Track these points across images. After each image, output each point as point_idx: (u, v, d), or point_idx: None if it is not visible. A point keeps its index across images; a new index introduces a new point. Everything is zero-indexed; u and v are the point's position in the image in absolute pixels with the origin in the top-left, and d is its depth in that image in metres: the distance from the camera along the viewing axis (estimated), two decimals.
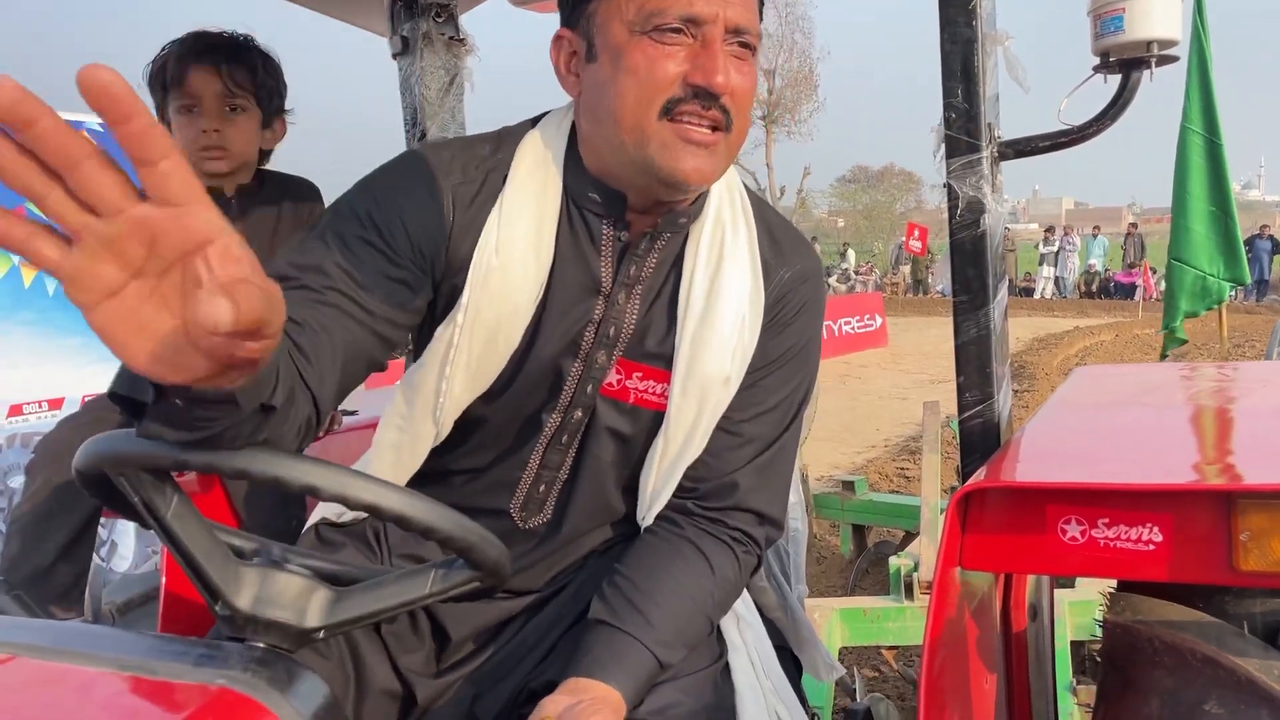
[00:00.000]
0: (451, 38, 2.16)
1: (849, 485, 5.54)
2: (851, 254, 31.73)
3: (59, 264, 0.68)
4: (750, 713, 1.40)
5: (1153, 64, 1.60)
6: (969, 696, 1.43)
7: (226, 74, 1.97)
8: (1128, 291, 24.27)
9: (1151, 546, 1.17)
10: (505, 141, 1.33)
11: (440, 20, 2.14)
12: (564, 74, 1.29)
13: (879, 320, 17.52)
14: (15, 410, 5.79)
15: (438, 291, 1.30)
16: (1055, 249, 27.09)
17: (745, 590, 1.51)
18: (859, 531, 5.69)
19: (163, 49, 2.00)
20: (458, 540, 1.04)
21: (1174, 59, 1.62)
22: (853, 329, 17.03)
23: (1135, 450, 1.42)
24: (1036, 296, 25.77)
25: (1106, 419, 1.70)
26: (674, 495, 1.36)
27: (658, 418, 1.34)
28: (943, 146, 1.72)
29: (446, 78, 2.15)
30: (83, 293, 0.69)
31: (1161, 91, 1.78)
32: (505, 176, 1.29)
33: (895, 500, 5.52)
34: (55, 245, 0.67)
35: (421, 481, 1.40)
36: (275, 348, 0.77)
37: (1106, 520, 1.19)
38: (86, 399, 2.21)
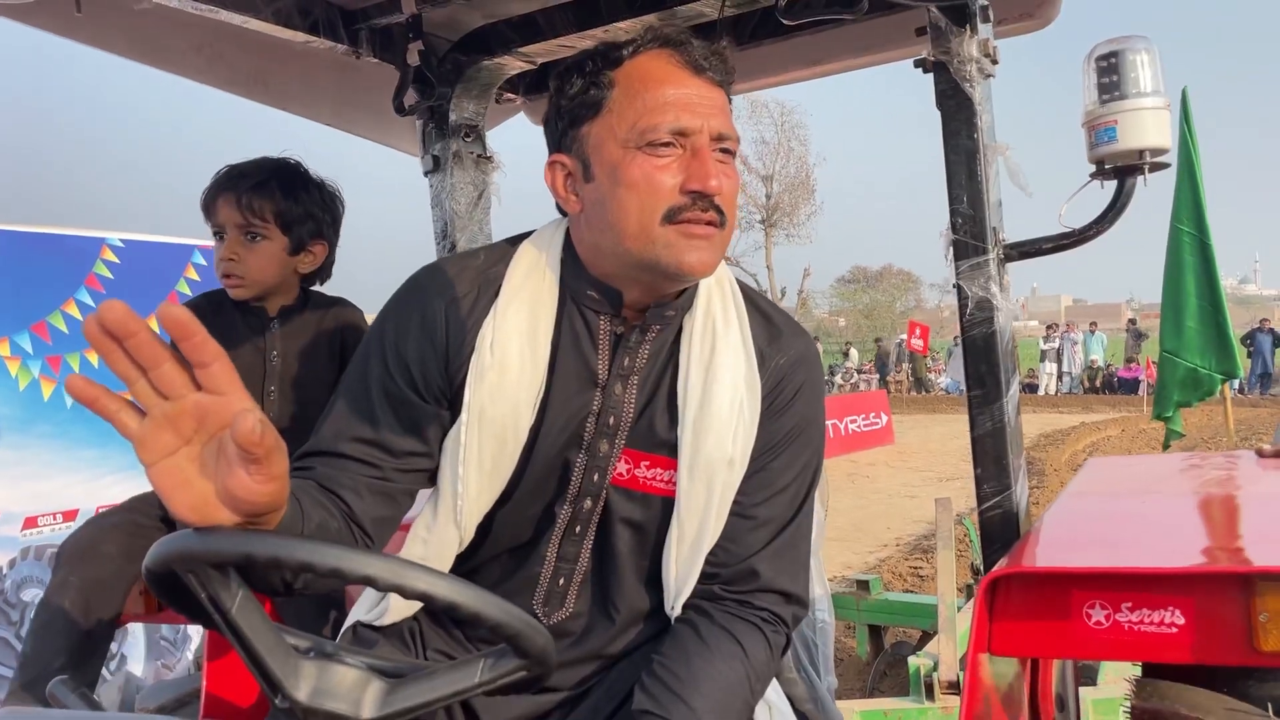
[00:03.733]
0: (479, 156, 2.28)
1: (864, 585, 5.51)
2: (855, 353, 31.93)
3: (135, 431, 0.92)
4: None
5: (1146, 170, 1.70)
6: None
7: (245, 203, 2.05)
8: (1130, 386, 24.34)
9: (1174, 629, 1.21)
10: (501, 252, 1.44)
11: (469, 140, 2.27)
12: (563, 195, 1.38)
13: (884, 418, 17.54)
14: (30, 523, 5.79)
15: (451, 407, 1.38)
16: (1056, 345, 27.27)
17: (776, 680, 1.54)
18: (875, 632, 5.63)
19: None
20: (506, 627, 1.08)
21: (1165, 165, 1.72)
22: (858, 427, 17.06)
23: (1153, 535, 1.47)
24: (1040, 393, 25.82)
25: (1122, 506, 1.75)
26: (699, 583, 1.40)
27: (669, 504, 1.39)
28: (951, 250, 1.82)
29: (475, 193, 2.26)
30: (148, 453, 0.92)
31: (1155, 191, 1.88)
32: (498, 286, 1.38)
33: (911, 599, 5.48)
34: (134, 417, 0.91)
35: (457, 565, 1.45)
36: (284, 497, 0.99)
37: (1130, 604, 1.23)
38: (101, 510, 2.26)
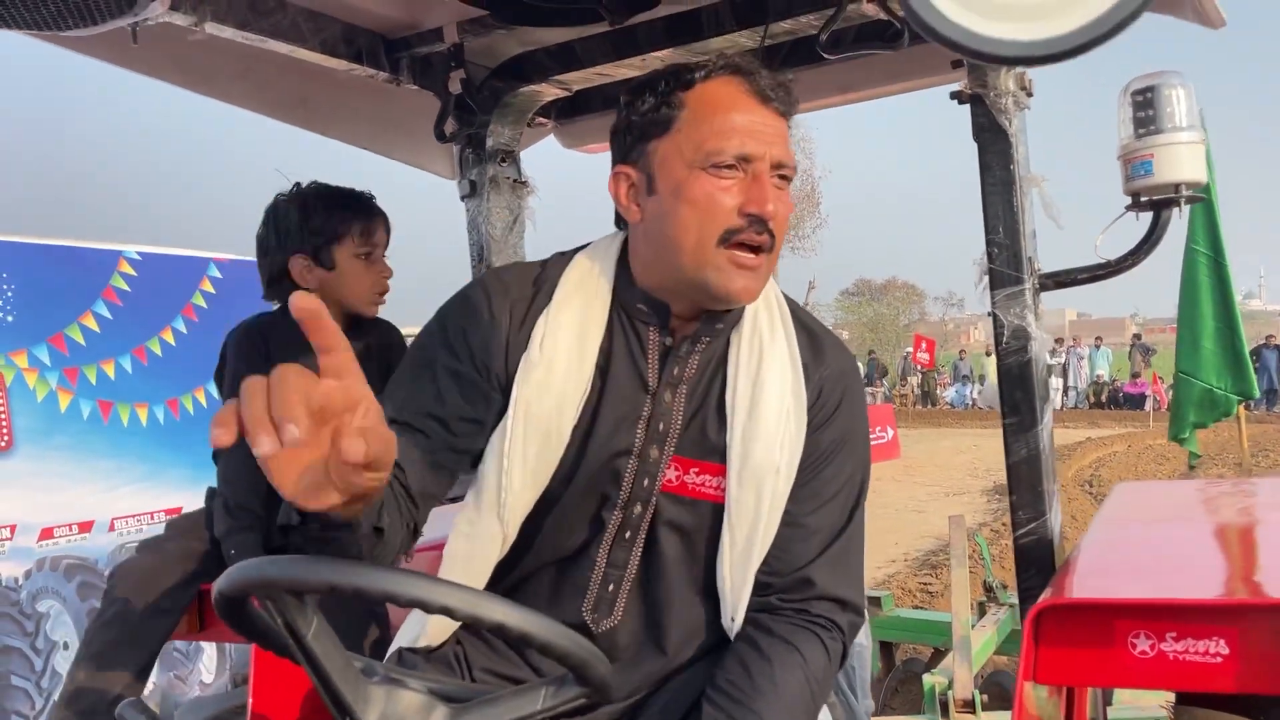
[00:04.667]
0: (515, 180, 2.32)
1: (875, 601, 5.50)
2: (861, 367, 31.92)
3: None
4: None
5: (1182, 203, 1.73)
6: None
7: (387, 226, 2.20)
8: (1136, 402, 24.33)
9: (1219, 659, 1.24)
10: (556, 262, 1.50)
11: (504, 164, 2.30)
12: (625, 204, 1.43)
13: (891, 432, 17.51)
14: (46, 534, 5.83)
15: (503, 397, 1.42)
16: (1062, 360, 27.29)
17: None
18: (887, 649, 5.63)
19: (290, 197, 2.16)
20: (573, 656, 1.11)
21: (1202, 199, 1.75)
22: None
23: (1193, 565, 1.50)
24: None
25: (1159, 534, 1.78)
26: (754, 595, 1.43)
27: (718, 510, 1.43)
28: (985, 278, 1.85)
29: (510, 217, 2.30)
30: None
31: None
32: (554, 290, 1.44)
33: (923, 616, 5.47)
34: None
35: (495, 582, 1.48)
36: (386, 481, 0.98)
37: (1175, 634, 1.26)
38: (116, 520, 2.28)
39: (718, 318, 1.45)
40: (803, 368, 1.47)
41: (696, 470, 1.45)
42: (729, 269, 1.34)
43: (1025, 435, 1.82)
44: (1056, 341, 30.63)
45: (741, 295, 1.37)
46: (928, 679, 3.58)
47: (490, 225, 2.28)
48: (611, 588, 1.48)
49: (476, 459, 1.45)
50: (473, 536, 1.45)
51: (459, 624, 1.45)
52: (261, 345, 2.15)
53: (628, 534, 1.46)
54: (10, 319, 6.09)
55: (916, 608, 6.60)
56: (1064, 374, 26.91)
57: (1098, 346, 27.83)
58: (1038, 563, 1.77)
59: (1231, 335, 5.09)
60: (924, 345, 22.46)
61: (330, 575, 1.03)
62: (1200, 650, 1.25)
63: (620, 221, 1.49)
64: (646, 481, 1.44)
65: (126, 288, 6.61)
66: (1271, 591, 1.27)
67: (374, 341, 2.19)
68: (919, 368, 26.76)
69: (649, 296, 1.43)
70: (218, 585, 1.10)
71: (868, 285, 52.89)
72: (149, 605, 2.02)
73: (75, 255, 6.49)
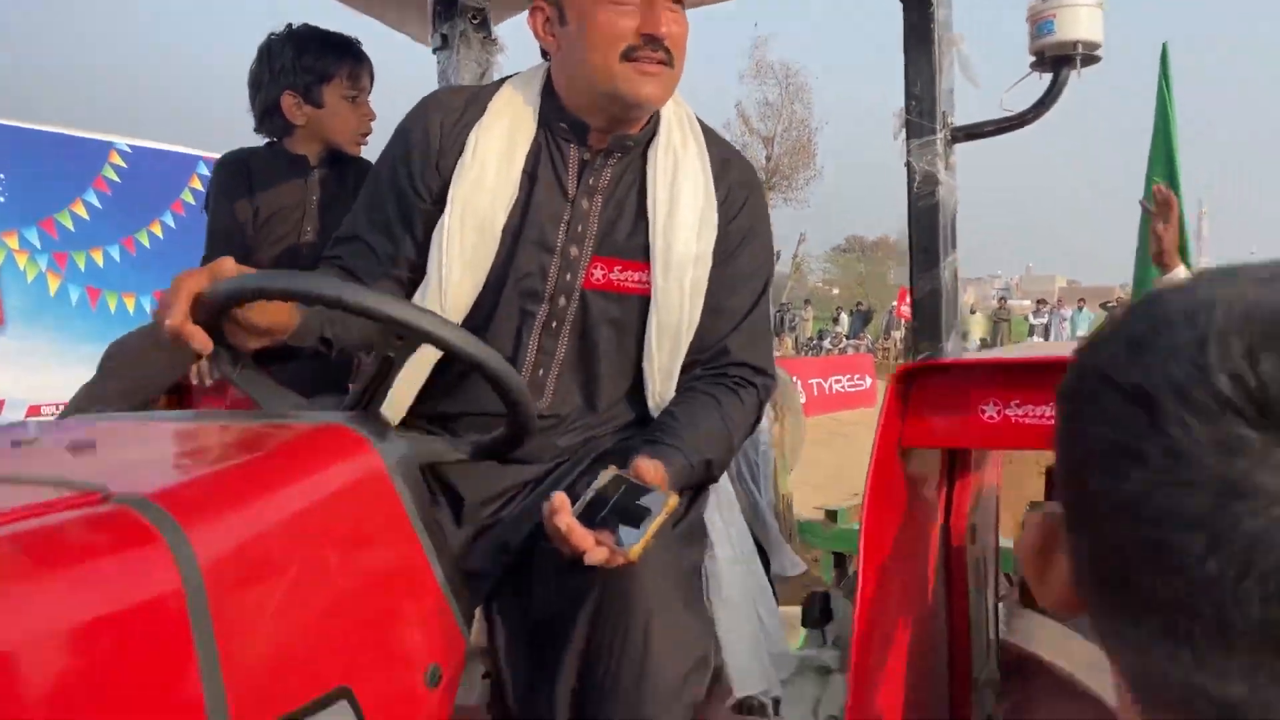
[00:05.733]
0: (485, 37, 2.48)
1: (832, 515, 5.74)
2: (845, 319, 32.16)
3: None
4: (725, 576, 1.67)
5: (1078, 62, 1.91)
6: (907, 591, 1.68)
7: (371, 73, 2.37)
8: None
9: (1050, 420, 1.44)
10: (488, 87, 1.72)
11: (475, 22, 2.46)
12: (542, 35, 1.64)
13: (869, 380, 17.85)
14: (33, 410, 6.01)
15: (439, 205, 1.62)
16: (1045, 321, 27.57)
17: (728, 479, 1.78)
18: (840, 559, 5.88)
19: (284, 36, 2.31)
20: (486, 366, 1.30)
21: (1097, 59, 1.93)
22: (843, 388, 17.44)
23: (1044, 352, 1.70)
24: None
25: (1043, 350, 1.97)
26: (680, 376, 1.66)
27: (644, 302, 1.64)
28: (904, 130, 2.03)
29: (479, 70, 2.45)
30: None
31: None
32: (486, 106, 1.65)
33: None
34: None
35: (440, 375, 1.67)
36: (294, 325, 1.44)
37: (1017, 400, 1.46)
38: None
39: (630, 136, 1.65)
40: (714, 170, 1.68)
41: (620, 268, 1.65)
42: (635, 77, 1.56)
43: (930, 272, 2.01)
44: (1040, 303, 30.90)
45: (650, 99, 1.58)
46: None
47: (460, 78, 2.44)
48: (542, 372, 1.67)
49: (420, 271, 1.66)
50: None
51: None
52: (245, 177, 2.32)
53: (554, 324, 1.66)
54: (2, 200, 6.24)
55: None
56: (1045, 333, 27.21)
57: (1080, 308, 28.11)
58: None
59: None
60: (909, 299, 22.65)
61: (291, 284, 1.23)
62: (1038, 414, 1.46)
63: (545, 54, 1.69)
64: (569, 277, 1.64)
65: (117, 179, 6.75)
66: None
67: (353, 178, 2.36)
68: (902, 321, 26.98)
69: (570, 116, 1.63)
70: (208, 291, 1.28)
71: (859, 241, 52.96)
72: (135, 378, 2.21)
73: (67, 143, 6.62)
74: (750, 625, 1.77)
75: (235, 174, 2.34)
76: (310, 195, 2.33)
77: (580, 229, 1.64)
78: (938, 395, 1.51)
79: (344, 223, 1.69)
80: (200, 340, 1.29)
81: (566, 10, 1.58)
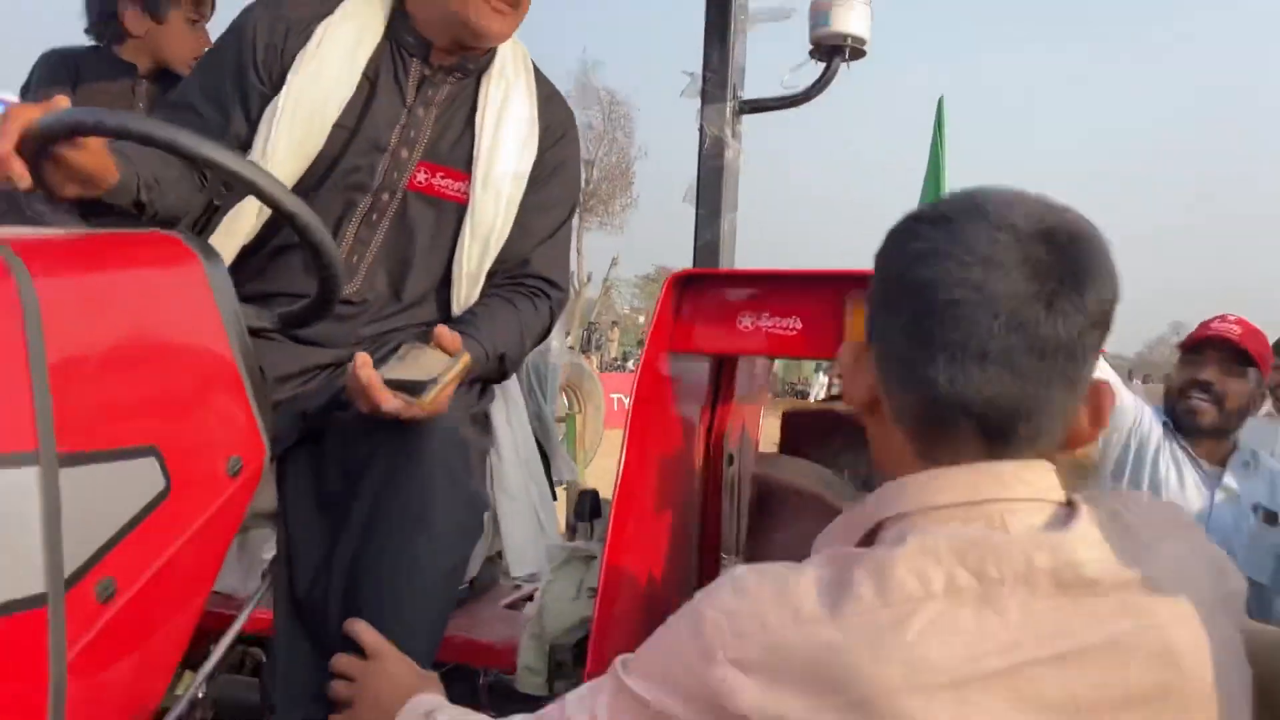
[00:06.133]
0: None
1: None
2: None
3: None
4: (509, 471, 1.85)
5: (847, 54, 2.23)
6: (665, 481, 1.89)
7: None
8: None
9: (795, 331, 1.70)
10: None
11: None
12: None
13: None
14: None
15: (275, 90, 1.73)
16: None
17: (518, 388, 1.97)
18: None
19: None
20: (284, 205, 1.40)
21: (864, 54, 2.25)
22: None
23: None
24: (812, 398, 27.52)
25: None
26: (484, 282, 1.82)
27: (460, 210, 1.80)
28: (699, 97, 2.29)
29: None
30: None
31: None
32: (335, 6, 1.77)
33: None
34: None
35: (251, 254, 1.78)
36: (113, 180, 1.45)
37: (769, 313, 1.72)
38: None
39: (470, 59, 1.81)
40: (539, 103, 1.87)
41: (442, 175, 1.80)
42: (488, 12, 1.72)
43: (712, 225, 2.27)
44: None
45: (495, 35, 1.75)
46: None
47: None
48: (355, 259, 1.80)
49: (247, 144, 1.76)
50: (237, 206, 1.74)
51: None
52: (70, 74, 2.32)
53: (374, 217, 1.79)
54: None
55: None
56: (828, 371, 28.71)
57: None
58: None
59: None
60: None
61: (127, 123, 1.31)
62: (784, 325, 1.72)
63: None
64: (395, 175, 1.78)
65: None
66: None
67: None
68: None
69: (417, 32, 1.78)
70: (43, 120, 1.33)
71: (666, 271, 54.23)
72: None
73: None
74: (528, 516, 1.95)
75: (60, 69, 2.33)
76: (138, 103, 2.35)
77: (413, 135, 1.79)
78: (703, 305, 1.75)
79: (175, 90, 1.76)
80: (19, 172, 1.32)
81: None
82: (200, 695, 2.10)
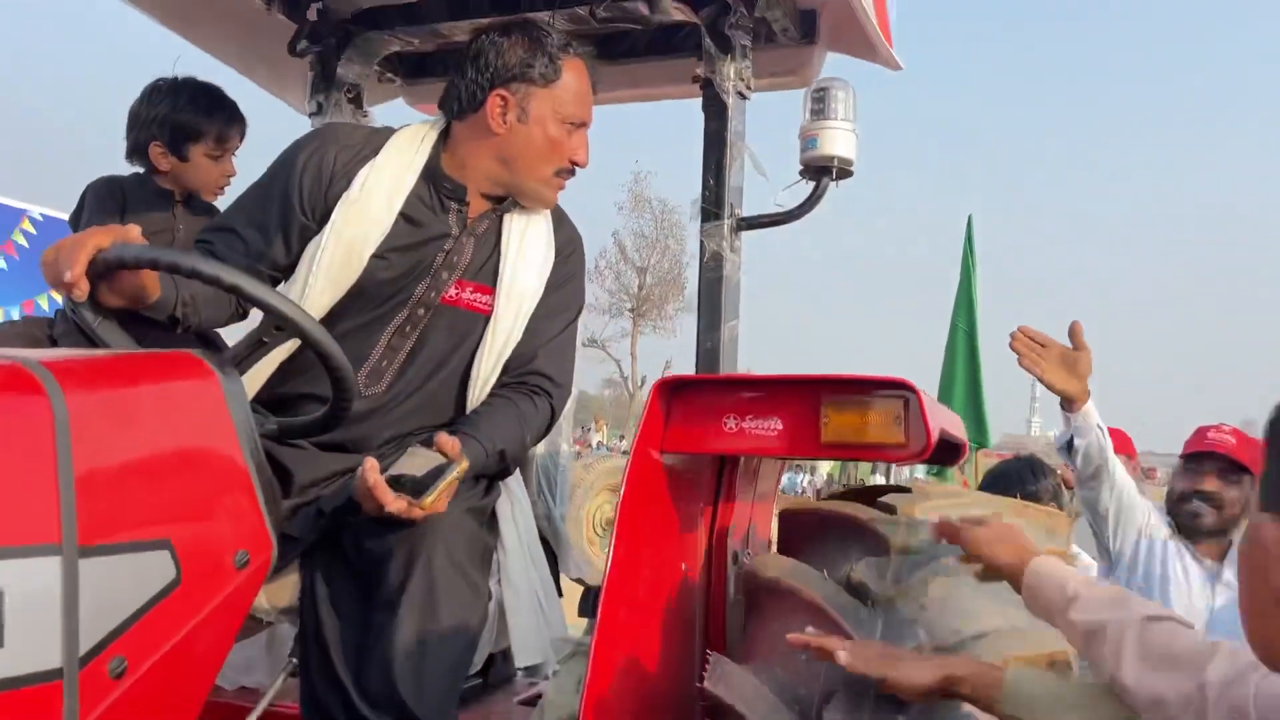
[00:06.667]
0: (357, 110, 2.83)
1: None
2: None
3: None
4: (512, 565, 1.97)
5: (834, 174, 2.38)
6: (659, 591, 1.97)
7: (243, 131, 2.63)
8: None
9: (776, 432, 1.82)
10: (384, 130, 2.07)
11: (350, 95, 2.81)
12: (494, 118, 1.97)
13: None
14: None
15: (319, 224, 1.93)
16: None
17: (522, 489, 2.10)
18: None
19: (161, 90, 2.54)
20: (323, 345, 1.58)
21: (850, 174, 2.41)
22: None
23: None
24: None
25: None
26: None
27: (484, 320, 1.99)
28: (698, 216, 2.45)
29: None
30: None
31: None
32: (379, 147, 1.98)
33: None
34: None
35: (291, 363, 1.95)
36: (155, 298, 1.65)
37: (751, 415, 1.83)
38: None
39: (503, 200, 2.05)
40: (553, 228, 2.09)
41: (471, 289, 2.01)
42: (553, 190, 2.04)
43: (713, 333, 2.41)
44: None
45: (551, 204, 2.06)
46: None
47: None
48: (385, 363, 1.98)
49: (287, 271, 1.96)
50: None
51: None
52: (119, 199, 2.56)
53: (408, 327, 1.98)
54: None
55: None
56: (886, 475, 28.34)
57: None
58: None
59: (974, 395, 6.10)
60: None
61: (198, 265, 1.50)
62: (766, 426, 1.83)
63: (451, 110, 2.02)
64: (433, 294, 1.98)
65: (25, 244, 6.90)
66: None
67: (205, 213, 2.63)
68: None
69: (454, 179, 2.00)
70: (105, 255, 1.51)
71: None
72: None
73: None
74: (531, 608, 2.06)
75: (110, 195, 2.57)
76: (178, 225, 2.58)
77: (455, 259, 2.00)
78: (689, 408, 1.87)
79: (220, 215, 1.97)
80: (82, 291, 1.51)
81: (530, 111, 1.97)
82: None
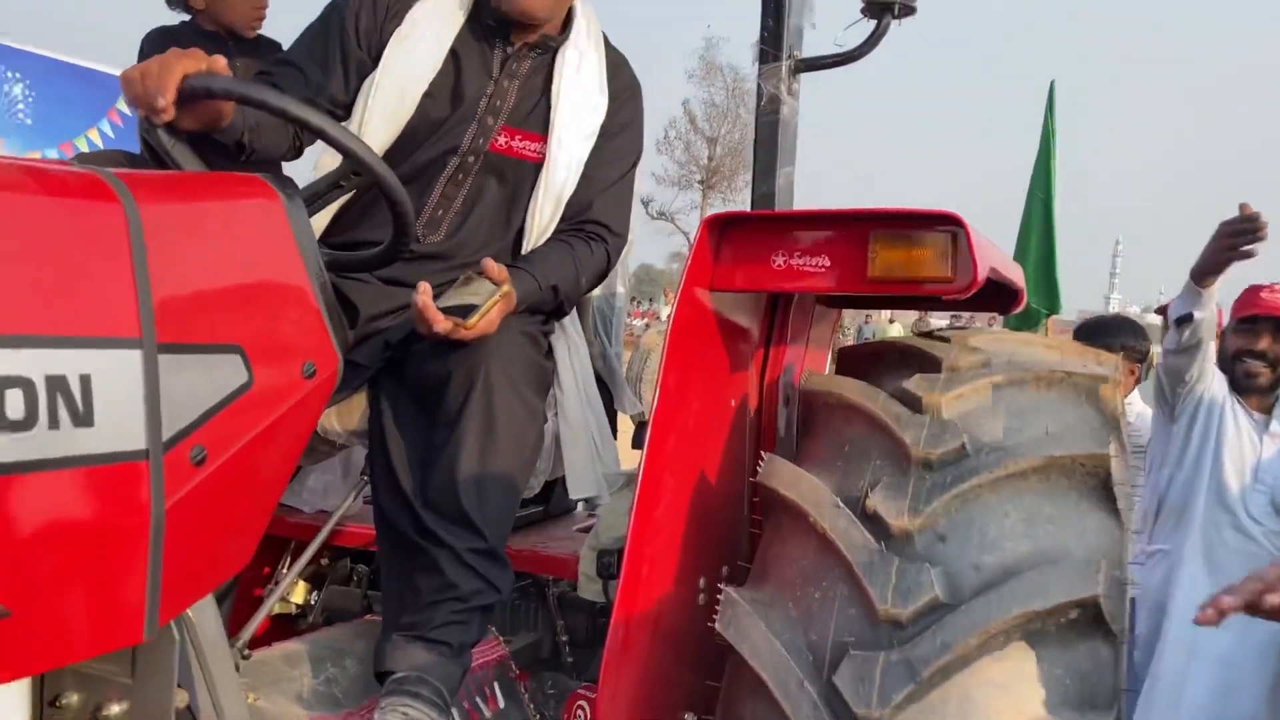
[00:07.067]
0: None
1: None
2: None
3: None
4: (568, 401, 2.05)
5: (897, 10, 2.32)
6: (707, 423, 2.03)
7: None
8: None
9: (823, 269, 1.84)
10: None
11: None
12: None
13: None
14: None
15: (374, 60, 1.98)
16: None
17: (578, 330, 2.17)
18: None
19: None
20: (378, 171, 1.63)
21: (913, 10, 2.34)
22: None
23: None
24: None
25: None
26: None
27: (537, 168, 2.04)
28: (758, 59, 2.42)
29: None
30: None
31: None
32: None
33: None
34: None
35: (350, 207, 2.02)
36: (225, 123, 1.67)
37: (800, 252, 1.86)
38: None
39: (551, 37, 2.05)
40: (607, 74, 2.09)
41: (521, 137, 2.04)
42: None
43: (768, 179, 2.40)
44: (954, 316, 31.87)
45: (528, 13, 1.97)
46: None
47: None
48: (440, 212, 2.04)
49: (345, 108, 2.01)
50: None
51: None
52: (175, 46, 2.64)
53: (460, 176, 2.03)
54: (29, 122, 6.85)
55: None
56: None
57: (990, 325, 29.16)
58: None
59: (1048, 262, 6.00)
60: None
61: (283, 104, 1.54)
62: (815, 263, 1.85)
63: None
64: (481, 140, 2.02)
65: (128, 112, 7.01)
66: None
67: (255, 60, 2.69)
68: None
69: (497, 15, 2.01)
70: (193, 83, 1.55)
71: None
72: None
73: (86, 75, 7.20)
74: (586, 442, 2.15)
75: (164, 43, 2.64)
76: (233, 63, 2.66)
77: (498, 104, 2.02)
78: (738, 245, 1.90)
79: (284, 51, 2.03)
80: (171, 115, 1.53)
81: None
82: (312, 601, 2.40)
